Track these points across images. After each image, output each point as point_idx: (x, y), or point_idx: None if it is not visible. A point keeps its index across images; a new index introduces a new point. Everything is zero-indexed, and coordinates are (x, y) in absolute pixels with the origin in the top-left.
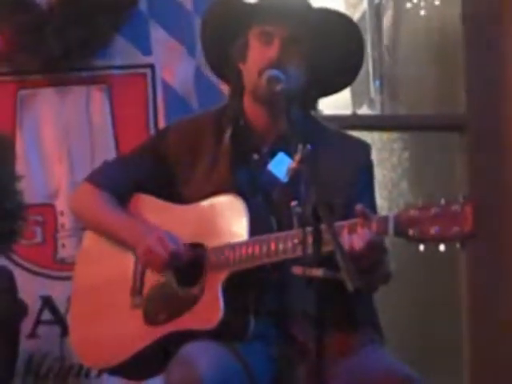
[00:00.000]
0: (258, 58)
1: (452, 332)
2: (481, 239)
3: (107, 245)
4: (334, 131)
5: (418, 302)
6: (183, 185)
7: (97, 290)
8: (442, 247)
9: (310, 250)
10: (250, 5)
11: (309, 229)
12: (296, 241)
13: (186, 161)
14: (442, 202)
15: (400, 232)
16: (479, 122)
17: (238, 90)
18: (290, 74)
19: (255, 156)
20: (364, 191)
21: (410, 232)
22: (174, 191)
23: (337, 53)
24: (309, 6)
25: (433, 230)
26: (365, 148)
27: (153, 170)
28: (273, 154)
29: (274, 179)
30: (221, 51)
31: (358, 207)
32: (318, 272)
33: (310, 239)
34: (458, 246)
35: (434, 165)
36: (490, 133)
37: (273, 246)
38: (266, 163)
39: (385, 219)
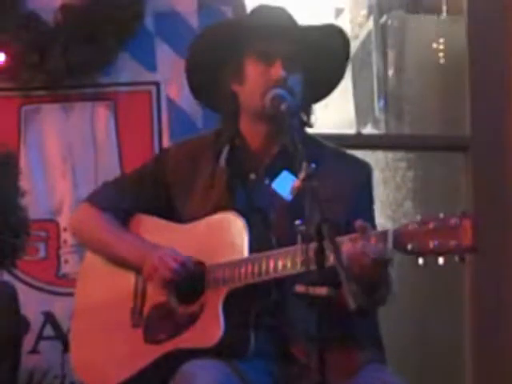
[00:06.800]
0: (260, 78)
1: (454, 351)
2: (484, 257)
3: (107, 263)
4: (333, 149)
5: (420, 320)
6: (182, 206)
7: (97, 308)
8: (440, 260)
9: (311, 267)
10: (247, 26)
11: (311, 246)
12: (297, 258)
13: (185, 182)
14: (441, 216)
15: (399, 246)
16: (483, 143)
17: (232, 112)
18: (293, 92)
19: (252, 176)
20: (362, 211)
21: (409, 246)
22: (173, 212)
23: (325, 62)
24: (297, 24)
25: (431, 244)
26: (364, 167)
27: (152, 191)
28: (270, 174)
29: (272, 198)
30: (210, 75)
31: (358, 222)
32: (322, 290)
33: (310, 256)
34: (456, 259)
35: (438, 185)
36: (494, 153)
37: (272, 263)
38: (263, 182)
39: (384, 234)
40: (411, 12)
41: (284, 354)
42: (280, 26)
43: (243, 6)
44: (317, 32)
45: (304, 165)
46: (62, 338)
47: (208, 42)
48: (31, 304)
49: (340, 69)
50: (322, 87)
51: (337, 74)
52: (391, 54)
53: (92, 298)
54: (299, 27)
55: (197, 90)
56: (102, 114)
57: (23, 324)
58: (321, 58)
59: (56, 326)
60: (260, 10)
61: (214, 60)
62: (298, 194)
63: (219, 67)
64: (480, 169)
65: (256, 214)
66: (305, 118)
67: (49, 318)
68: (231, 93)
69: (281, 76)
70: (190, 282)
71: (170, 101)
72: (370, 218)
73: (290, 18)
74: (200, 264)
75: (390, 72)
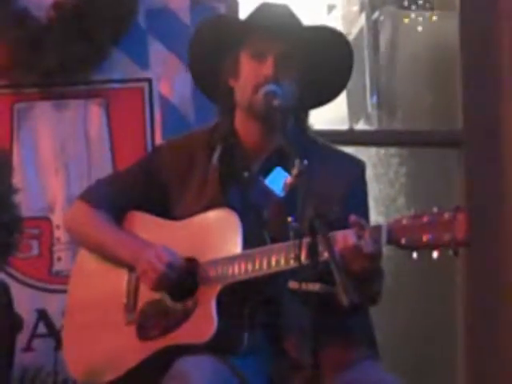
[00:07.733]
0: (252, 74)
1: (447, 348)
2: (478, 253)
3: (101, 260)
4: (327, 146)
5: (414, 317)
6: (175, 203)
7: (91, 306)
8: (435, 254)
9: (304, 263)
10: (242, 22)
11: (304, 241)
12: (291, 254)
13: (178, 180)
14: (435, 210)
15: (393, 241)
16: (476, 138)
17: (228, 107)
18: (286, 89)
19: (246, 174)
20: (356, 207)
21: (403, 240)
22: (167, 209)
23: (327, 66)
24: (299, 23)
25: (425, 238)
26: (358, 164)
27: (145, 188)
28: (264, 172)
29: (266, 196)
30: (209, 68)
31: (352, 218)
32: (315, 287)
33: (303, 252)
34: (450, 253)
35: (431, 180)
36: (487, 148)
37: (265, 260)
38: (256, 180)
39: (378, 228)
40: (403, 8)
41: (278, 350)
42: (278, 24)
43: (236, 3)
44: (317, 33)
45: (296, 161)
46: (55, 335)
47: (208, 35)
48: (24, 302)
49: (344, 72)
50: (326, 89)
51: (341, 78)
52: (383, 50)
53: (85, 295)
54: (300, 27)
55: (199, 82)
56: (95, 111)
57: (17, 322)
58: (322, 59)
59: (49, 323)
60: (263, 7)
61: (213, 53)
62: (292, 190)
63: (218, 62)
64: (473, 164)
65: (250, 211)
66: (302, 117)
67: (42, 315)
68: (228, 88)
69: (271, 73)
70: (182, 279)
71: (162, 98)
72: (364, 214)
73: (292, 17)
74: (192, 261)
75: (383, 68)
